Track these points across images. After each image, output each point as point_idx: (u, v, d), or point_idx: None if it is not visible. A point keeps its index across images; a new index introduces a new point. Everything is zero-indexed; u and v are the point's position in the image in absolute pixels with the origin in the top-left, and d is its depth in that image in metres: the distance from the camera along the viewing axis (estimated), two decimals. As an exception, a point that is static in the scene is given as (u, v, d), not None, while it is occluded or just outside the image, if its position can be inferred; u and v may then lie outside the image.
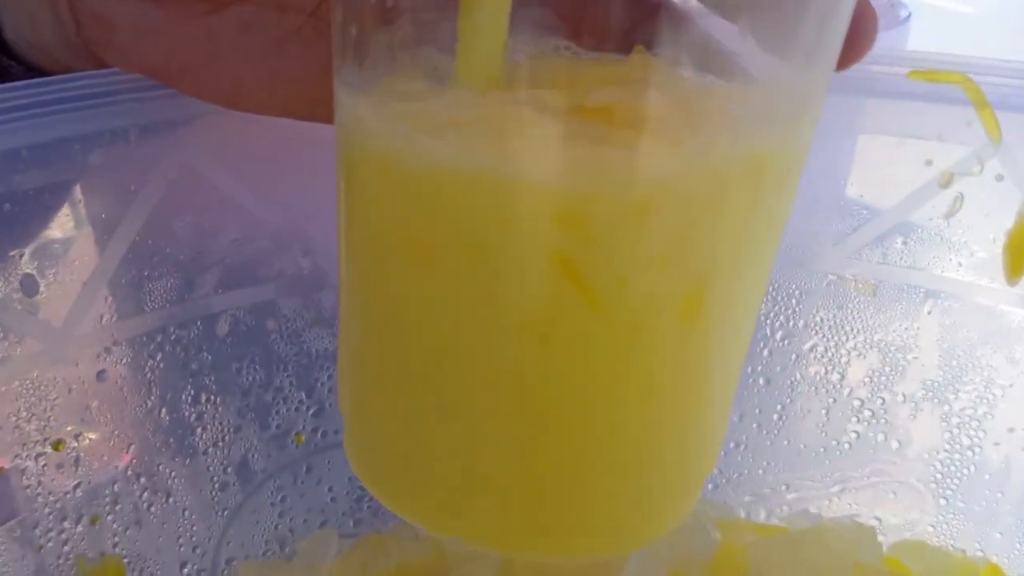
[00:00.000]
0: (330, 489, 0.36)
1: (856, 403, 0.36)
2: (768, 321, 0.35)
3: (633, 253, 0.18)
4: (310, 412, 0.35)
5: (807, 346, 0.36)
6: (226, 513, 0.34)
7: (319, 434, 0.35)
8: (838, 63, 0.20)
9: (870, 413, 0.36)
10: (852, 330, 0.35)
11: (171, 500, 0.32)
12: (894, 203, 0.33)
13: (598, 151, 0.18)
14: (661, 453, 0.21)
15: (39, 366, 0.29)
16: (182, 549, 0.33)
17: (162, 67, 0.25)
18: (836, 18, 0.19)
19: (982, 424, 0.34)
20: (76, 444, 0.30)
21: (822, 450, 0.36)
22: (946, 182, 0.31)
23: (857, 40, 0.21)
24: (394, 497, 0.22)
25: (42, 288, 0.28)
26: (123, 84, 0.26)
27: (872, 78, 0.29)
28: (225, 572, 0.33)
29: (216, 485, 0.34)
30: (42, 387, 0.29)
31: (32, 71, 0.28)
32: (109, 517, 0.31)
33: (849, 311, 0.35)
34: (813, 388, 0.36)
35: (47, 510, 0.29)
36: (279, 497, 0.35)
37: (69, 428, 0.30)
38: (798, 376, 0.36)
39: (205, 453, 0.33)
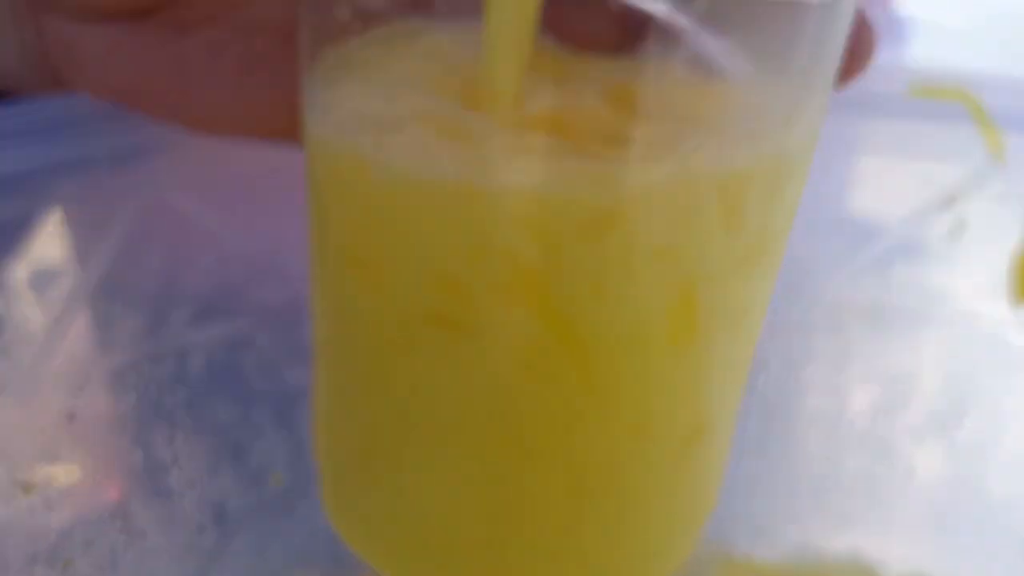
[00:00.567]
0: (310, 528, 0.35)
1: (858, 433, 0.35)
2: (763, 347, 0.35)
3: (607, 270, 0.17)
4: (288, 449, 0.34)
5: (806, 373, 0.35)
6: (204, 555, 0.33)
7: (298, 472, 0.34)
8: (837, 81, 0.19)
9: (873, 442, 0.35)
10: (852, 355, 0.34)
11: (147, 542, 0.31)
12: (895, 224, 0.32)
13: (570, 163, 0.17)
14: (659, 495, 0.20)
15: (6, 406, 0.28)
16: (159, 594, 0.32)
17: (131, 92, 0.24)
18: (832, 36, 0.18)
19: (985, 453, 0.33)
20: (48, 487, 0.29)
21: (822, 482, 0.36)
22: (948, 202, 0.31)
23: (855, 57, 0.20)
24: (374, 553, 0.21)
25: (9, 327, 0.27)
26: (90, 110, 0.25)
27: (872, 96, 0.28)
28: (204, 617, 0.32)
29: (193, 527, 0.33)
30: (11, 428, 0.28)
31: (-4, 97, 0.27)
32: (83, 561, 0.30)
33: (849, 336, 0.34)
34: (812, 418, 0.35)
35: (19, 554, 0.28)
36: (257, 537, 0.34)
37: (40, 470, 0.29)
38: (798, 405, 0.35)
39: (181, 494, 0.32)
